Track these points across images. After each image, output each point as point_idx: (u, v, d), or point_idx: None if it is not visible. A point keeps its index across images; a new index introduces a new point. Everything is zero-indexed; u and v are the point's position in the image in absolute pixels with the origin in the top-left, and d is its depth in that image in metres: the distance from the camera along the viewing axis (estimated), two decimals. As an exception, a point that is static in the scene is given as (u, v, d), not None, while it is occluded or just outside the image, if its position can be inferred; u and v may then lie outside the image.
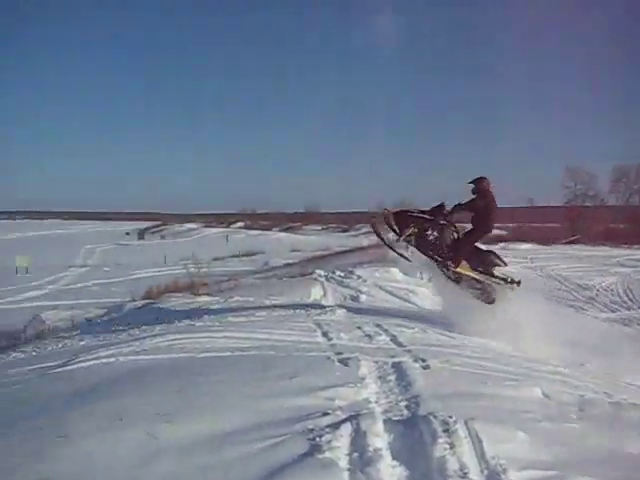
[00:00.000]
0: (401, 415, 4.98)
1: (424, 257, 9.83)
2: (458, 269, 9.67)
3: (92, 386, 6.10)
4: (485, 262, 9.81)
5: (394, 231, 9.79)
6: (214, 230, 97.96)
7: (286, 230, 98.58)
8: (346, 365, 6.66)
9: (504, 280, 9.86)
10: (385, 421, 4.73)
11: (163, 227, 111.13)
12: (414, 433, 4.48)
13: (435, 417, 4.66)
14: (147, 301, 17.34)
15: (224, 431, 4.56)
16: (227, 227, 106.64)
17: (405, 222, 9.67)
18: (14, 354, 10.74)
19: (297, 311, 10.96)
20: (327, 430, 4.49)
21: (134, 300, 18.37)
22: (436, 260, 9.70)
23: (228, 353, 7.25)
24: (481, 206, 9.56)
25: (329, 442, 4.26)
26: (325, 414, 4.86)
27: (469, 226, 10.07)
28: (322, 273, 18.92)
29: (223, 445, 4.33)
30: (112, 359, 7.26)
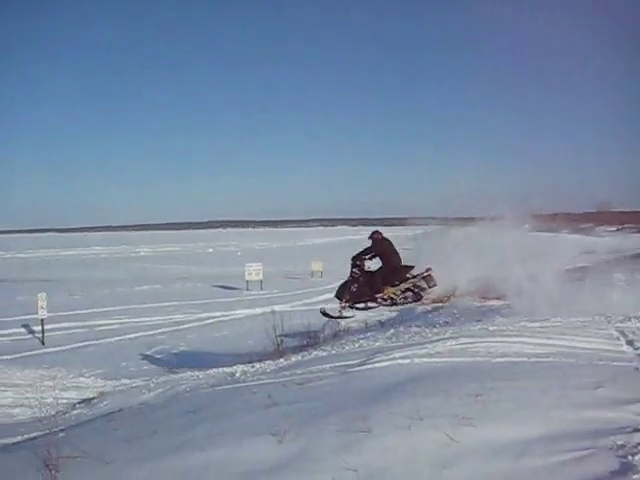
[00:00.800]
0: None
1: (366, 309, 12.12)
2: (386, 295, 11.71)
3: (390, 385, 6.30)
4: (399, 276, 11.70)
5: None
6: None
7: (576, 232, 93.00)
8: (658, 377, 6.08)
9: (415, 277, 11.66)
10: None
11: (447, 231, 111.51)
12: None
13: None
14: (436, 304, 17.48)
15: (524, 439, 4.42)
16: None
17: (343, 294, 11.97)
18: (315, 352, 11.52)
19: (596, 317, 10.28)
20: (640, 448, 4.11)
21: (423, 303, 18.62)
22: (370, 301, 11.82)
23: (524, 359, 7.04)
24: (378, 252, 11.84)
25: (644, 462, 3.88)
26: (636, 430, 4.45)
27: None
28: (621, 277, 17.53)
29: (524, 454, 4.19)
30: (407, 360, 7.44)
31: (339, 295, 12.08)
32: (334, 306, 12.82)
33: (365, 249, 12.00)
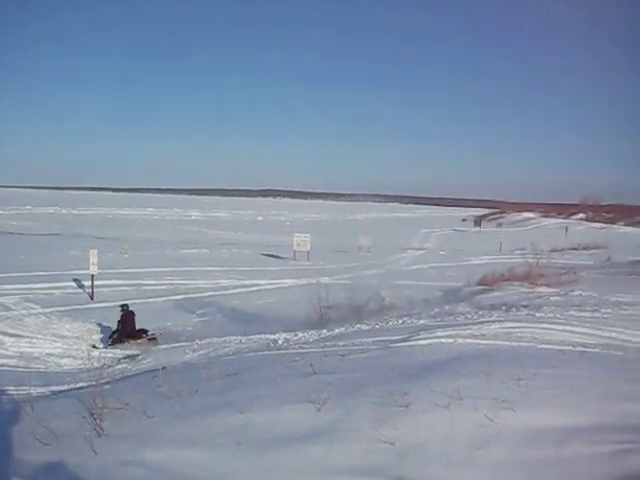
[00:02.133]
0: None
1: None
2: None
3: (431, 363, 6.29)
4: (137, 334, 15.92)
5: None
6: (552, 221, 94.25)
7: (633, 224, 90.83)
8: None
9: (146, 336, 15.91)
10: None
11: (500, 215, 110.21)
12: None
13: None
14: (482, 287, 17.36)
15: (565, 428, 4.34)
16: (566, 218, 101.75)
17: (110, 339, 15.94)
18: (358, 325, 11.56)
19: (648, 311, 10.07)
20: (687, 446, 3.99)
21: (469, 285, 18.50)
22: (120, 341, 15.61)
23: (570, 347, 6.93)
24: (124, 319, 16.06)
25: (690, 459, 3.78)
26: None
27: None
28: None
29: (564, 443, 4.12)
30: (450, 340, 7.41)
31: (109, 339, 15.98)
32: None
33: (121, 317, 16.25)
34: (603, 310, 9.95)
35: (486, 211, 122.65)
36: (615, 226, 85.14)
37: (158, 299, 20.62)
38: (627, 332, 8.05)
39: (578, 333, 7.81)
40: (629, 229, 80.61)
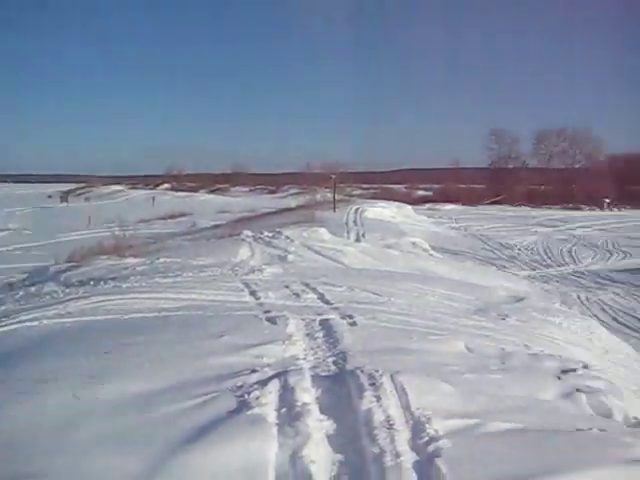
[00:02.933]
0: (329, 370, 5.07)
1: None
2: None
3: (15, 350, 5.97)
4: None
5: None
6: (140, 192, 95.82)
7: (213, 192, 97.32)
8: (274, 323, 6.72)
9: None
10: (313, 377, 4.78)
11: (88, 189, 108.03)
12: (341, 388, 4.56)
13: (362, 372, 4.73)
14: (71, 264, 16.90)
15: (154, 391, 4.54)
16: (153, 189, 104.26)
17: None
18: None
19: (225, 271, 10.93)
20: (255, 387, 4.53)
21: (57, 263, 17.87)
22: None
23: (155, 314, 7.19)
24: None
25: (257, 398, 4.29)
26: (253, 371, 4.90)
27: None
28: (249, 234, 18.83)
29: (152, 404, 4.31)
30: (35, 322, 7.09)
31: None
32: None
33: None
34: (185, 274, 10.51)
35: (73, 186, 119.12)
36: (197, 194, 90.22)
37: None
38: (205, 292, 8.65)
39: (163, 299, 8.11)
40: (210, 196, 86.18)
